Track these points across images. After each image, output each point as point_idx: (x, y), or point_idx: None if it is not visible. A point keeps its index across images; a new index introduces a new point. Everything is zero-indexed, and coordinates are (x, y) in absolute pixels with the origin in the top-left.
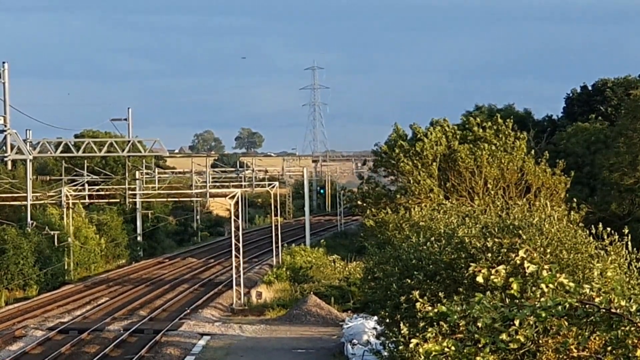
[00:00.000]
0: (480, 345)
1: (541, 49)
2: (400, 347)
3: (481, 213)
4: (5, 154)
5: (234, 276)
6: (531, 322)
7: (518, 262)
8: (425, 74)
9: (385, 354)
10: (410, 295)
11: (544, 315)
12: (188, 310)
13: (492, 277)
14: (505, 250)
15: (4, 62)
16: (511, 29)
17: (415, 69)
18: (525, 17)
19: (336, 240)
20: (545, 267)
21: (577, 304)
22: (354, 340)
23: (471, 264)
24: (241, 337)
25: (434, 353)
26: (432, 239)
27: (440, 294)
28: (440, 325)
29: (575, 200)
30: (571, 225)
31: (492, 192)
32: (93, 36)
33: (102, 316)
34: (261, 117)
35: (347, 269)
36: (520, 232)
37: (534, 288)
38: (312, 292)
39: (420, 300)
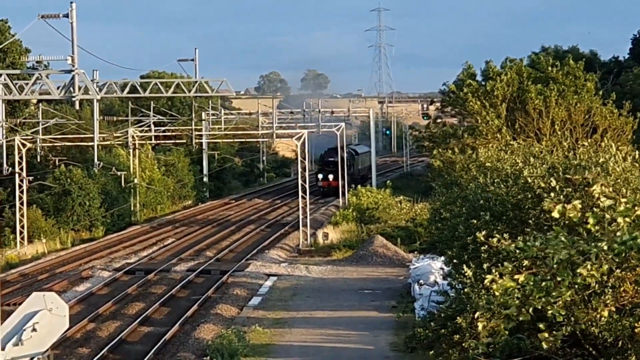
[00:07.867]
0: (557, 280)
1: None
2: (467, 288)
3: (548, 153)
4: (73, 94)
5: (301, 217)
6: (608, 257)
7: (595, 195)
8: (483, 19)
9: (452, 294)
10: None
11: (621, 249)
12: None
13: (567, 211)
14: (571, 190)
15: (71, 2)
16: None
17: (474, 14)
18: None
19: (402, 181)
20: (622, 200)
21: None
22: (421, 281)
23: (545, 200)
24: (307, 278)
25: (510, 288)
26: (499, 179)
27: (506, 234)
28: (517, 261)
29: None
30: (637, 165)
31: (559, 133)
32: None
33: (168, 257)
34: (325, 60)
35: (413, 209)
36: (586, 172)
37: (608, 223)
38: (378, 233)
39: (497, 236)
